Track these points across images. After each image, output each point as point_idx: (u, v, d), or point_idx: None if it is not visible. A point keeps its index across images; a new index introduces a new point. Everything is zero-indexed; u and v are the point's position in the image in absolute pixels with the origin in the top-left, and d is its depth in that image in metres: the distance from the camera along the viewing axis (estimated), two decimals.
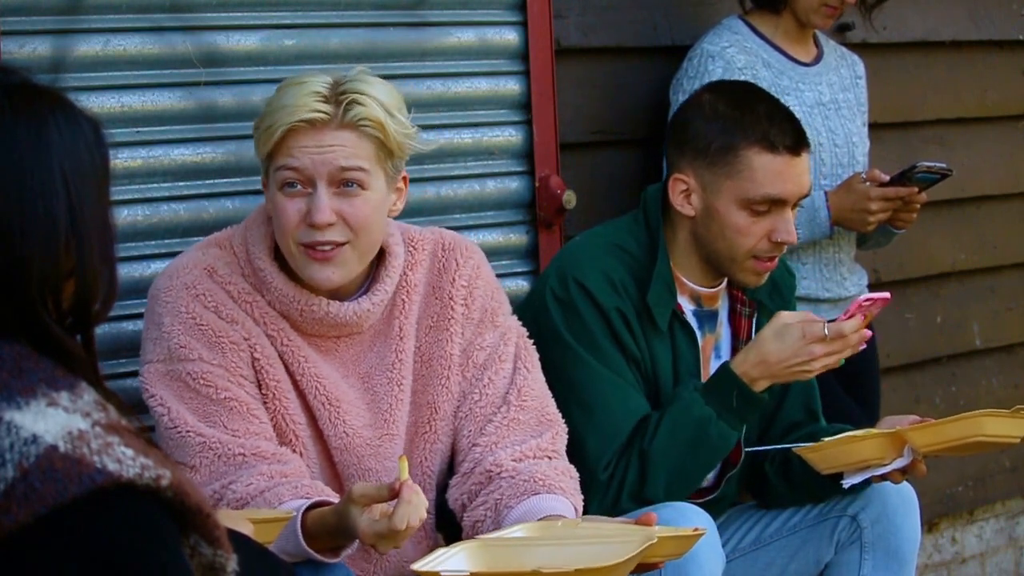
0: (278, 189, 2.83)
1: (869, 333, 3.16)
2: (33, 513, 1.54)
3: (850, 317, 3.12)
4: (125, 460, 1.57)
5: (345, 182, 2.81)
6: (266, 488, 2.72)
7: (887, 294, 3.20)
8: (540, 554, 2.58)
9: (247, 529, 2.24)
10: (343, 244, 2.82)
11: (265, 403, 2.84)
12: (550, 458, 2.97)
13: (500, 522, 2.85)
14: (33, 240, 1.67)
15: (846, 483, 3.21)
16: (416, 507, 2.49)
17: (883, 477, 3.21)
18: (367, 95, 2.82)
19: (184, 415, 2.77)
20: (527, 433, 2.97)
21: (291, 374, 2.86)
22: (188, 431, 2.77)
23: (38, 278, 1.67)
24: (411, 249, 2.99)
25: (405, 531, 2.48)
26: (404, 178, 2.93)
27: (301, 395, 2.87)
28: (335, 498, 2.73)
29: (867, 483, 3.26)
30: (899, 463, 3.15)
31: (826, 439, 3.19)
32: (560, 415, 3.05)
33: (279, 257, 2.89)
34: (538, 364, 3.07)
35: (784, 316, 3.20)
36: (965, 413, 3.16)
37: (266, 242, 2.89)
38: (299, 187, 2.81)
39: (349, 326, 2.89)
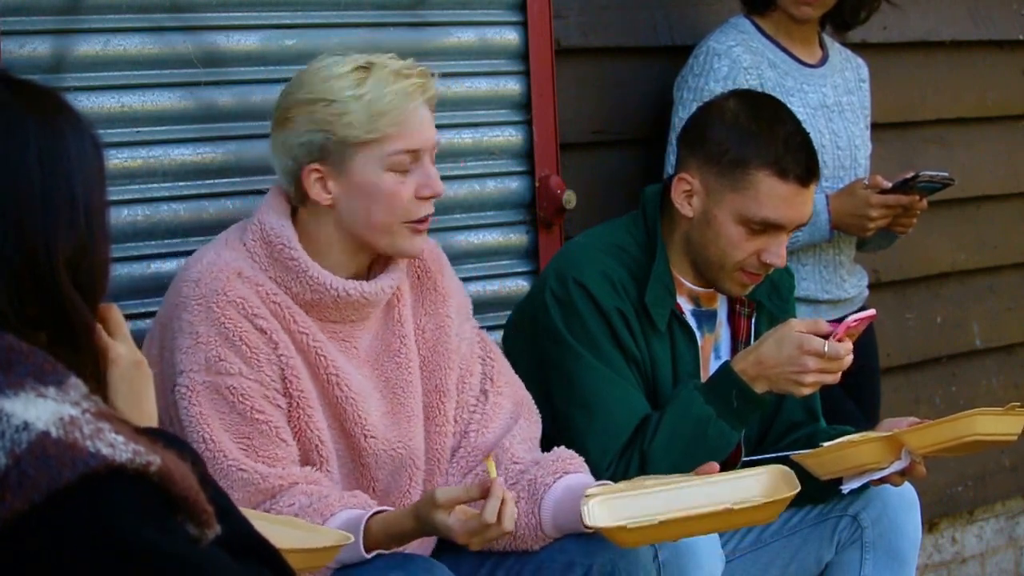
0: (386, 171, 2.89)
1: (852, 357, 3.18)
2: (28, 500, 1.54)
3: (838, 340, 3.13)
4: (118, 445, 1.57)
5: (433, 155, 2.95)
6: (309, 504, 2.76)
7: (873, 311, 3.24)
8: (665, 498, 2.76)
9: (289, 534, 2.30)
10: None
11: (289, 411, 2.86)
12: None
13: (538, 502, 2.91)
14: (58, 222, 1.69)
15: (845, 488, 3.21)
16: (508, 503, 2.66)
17: (882, 480, 3.21)
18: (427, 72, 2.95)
19: (224, 444, 2.79)
20: (509, 415, 3.07)
21: (316, 374, 2.89)
22: (230, 464, 2.79)
23: (65, 256, 1.69)
24: None
25: (499, 526, 2.65)
26: None
27: (325, 394, 2.90)
28: (375, 504, 2.82)
29: (866, 486, 3.26)
30: (897, 466, 3.15)
31: (824, 444, 3.20)
32: (529, 395, 3.14)
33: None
34: (499, 351, 3.17)
35: (793, 323, 3.20)
36: (959, 413, 3.17)
37: (294, 234, 2.92)
38: (408, 166, 2.91)
39: (372, 305, 2.95)
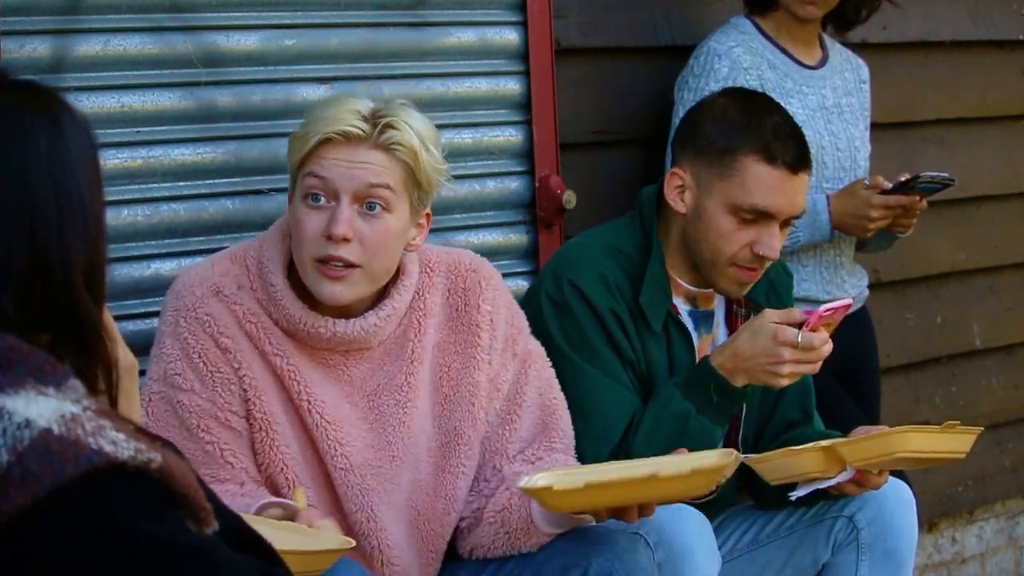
0: (301, 199, 2.83)
1: (831, 345, 3.15)
2: (31, 495, 1.54)
3: (812, 329, 3.11)
4: (119, 442, 1.58)
5: (369, 202, 2.81)
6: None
7: (848, 300, 3.23)
8: (608, 468, 2.75)
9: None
10: (355, 267, 2.81)
11: (253, 434, 2.84)
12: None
13: (527, 500, 2.88)
14: (72, 228, 1.69)
15: (793, 495, 3.19)
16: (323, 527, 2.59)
17: (834, 489, 3.19)
18: (405, 122, 2.83)
19: None
20: (552, 463, 2.99)
21: (289, 397, 2.86)
22: None
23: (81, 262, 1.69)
24: (427, 272, 2.98)
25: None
26: (427, 215, 2.93)
27: (299, 419, 2.87)
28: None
29: (823, 495, 3.23)
30: (842, 477, 3.11)
31: (771, 452, 3.20)
32: (572, 430, 3.09)
33: (292, 276, 2.89)
34: (557, 386, 3.08)
35: (767, 314, 3.20)
36: (893, 428, 3.12)
37: (281, 259, 2.89)
38: (323, 200, 2.81)
39: (357, 342, 2.89)
